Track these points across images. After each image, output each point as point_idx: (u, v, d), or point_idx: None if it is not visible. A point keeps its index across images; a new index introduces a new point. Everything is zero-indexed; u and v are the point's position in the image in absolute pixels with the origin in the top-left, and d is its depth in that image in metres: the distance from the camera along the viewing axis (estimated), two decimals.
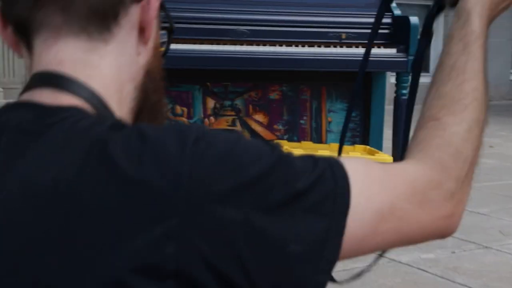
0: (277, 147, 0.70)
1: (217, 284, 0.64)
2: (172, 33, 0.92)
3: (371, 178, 0.74)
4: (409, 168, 0.79)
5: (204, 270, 0.63)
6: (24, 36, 0.76)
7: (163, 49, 0.92)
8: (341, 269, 2.60)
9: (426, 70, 9.91)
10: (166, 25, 0.89)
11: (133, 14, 0.78)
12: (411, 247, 3.12)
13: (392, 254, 3.02)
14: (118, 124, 0.71)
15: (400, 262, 2.92)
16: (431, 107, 0.88)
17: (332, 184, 0.69)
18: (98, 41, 0.76)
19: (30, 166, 0.67)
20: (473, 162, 0.82)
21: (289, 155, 0.70)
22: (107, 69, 0.77)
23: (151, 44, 0.82)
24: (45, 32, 0.75)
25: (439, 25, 9.89)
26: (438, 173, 0.78)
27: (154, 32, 0.82)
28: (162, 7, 0.83)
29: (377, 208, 0.72)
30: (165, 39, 0.93)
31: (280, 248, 0.66)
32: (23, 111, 0.72)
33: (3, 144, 0.70)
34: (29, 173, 0.67)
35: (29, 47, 0.76)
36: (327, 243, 0.68)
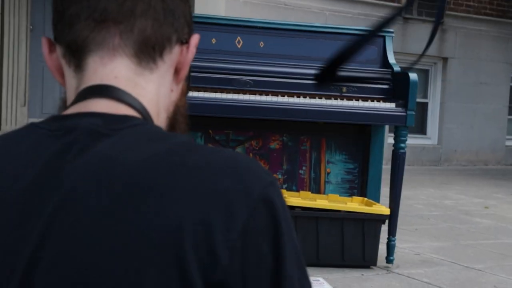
0: None
1: None
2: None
3: None
4: None
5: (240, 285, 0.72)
6: (76, 56, 0.85)
7: None
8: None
9: (424, 132, 10.03)
10: None
11: (174, 54, 0.88)
12: None
13: None
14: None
15: None
16: None
17: None
18: (145, 68, 0.85)
19: (101, 158, 0.76)
20: None
21: None
22: (151, 93, 0.87)
23: (181, 84, 0.93)
24: (102, 51, 0.84)
25: (437, 87, 10.03)
26: None
27: (185, 75, 0.93)
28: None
29: None
30: None
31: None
32: (90, 118, 0.80)
33: (74, 144, 0.78)
34: (101, 162, 0.75)
35: (79, 66, 0.85)
36: None
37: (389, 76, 3.77)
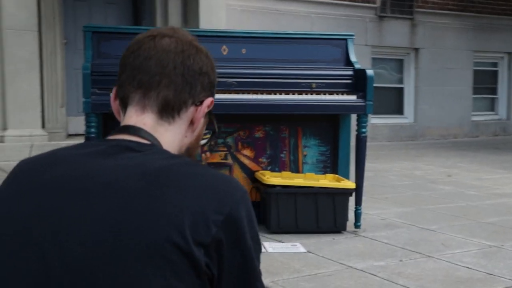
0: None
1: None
2: (215, 135, 1.23)
3: None
4: None
5: (217, 250, 0.93)
6: (124, 106, 1.08)
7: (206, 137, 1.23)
8: (307, 274, 2.67)
9: (401, 113, 10.05)
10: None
11: (190, 112, 1.07)
12: (366, 256, 3.22)
13: (350, 262, 3.12)
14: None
15: (355, 269, 3.02)
16: None
17: None
18: (165, 121, 1.06)
19: (141, 160, 0.97)
20: None
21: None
22: (167, 138, 1.06)
23: (195, 133, 1.11)
24: (137, 106, 1.06)
25: (411, 74, 10.04)
26: None
27: (200, 127, 1.11)
28: (210, 114, 1.14)
29: None
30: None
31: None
32: (127, 141, 1.02)
33: (108, 150, 1.00)
34: (144, 161, 0.96)
35: (125, 113, 1.07)
36: None
37: (351, 73, 3.83)
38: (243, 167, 3.87)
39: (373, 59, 9.58)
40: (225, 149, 3.85)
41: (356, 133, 3.77)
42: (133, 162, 0.96)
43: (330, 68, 3.85)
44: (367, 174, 6.21)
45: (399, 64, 10.02)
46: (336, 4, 9.16)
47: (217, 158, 3.84)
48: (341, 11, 9.18)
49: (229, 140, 3.86)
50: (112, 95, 1.11)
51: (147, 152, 0.99)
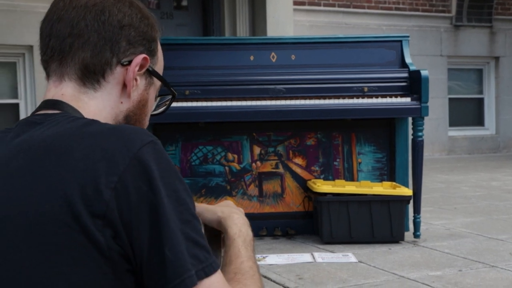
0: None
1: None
2: (174, 98, 1.08)
3: None
4: None
5: (118, 217, 0.80)
6: (48, 79, 0.97)
7: (161, 108, 1.09)
8: (353, 284, 2.47)
9: (482, 124, 9.53)
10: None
11: (118, 73, 0.95)
12: (422, 265, 2.97)
13: (403, 272, 2.89)
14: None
15: (408, 279, 2.78)
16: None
17: None
18: (89, 88, 0.94)
19: (32, 134, 0.87)
20: None
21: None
22: (93, 107, 0.94)
23: (135, 97, 0.97)
24: (55, 76, 0.95)
25: (491, 83, 9.53)
26: None
27: (140, 89, 0.97)
28: (154, 73, 0.99)
29: None
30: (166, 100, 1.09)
31: None
32: (35, 116, 0.91)
33: (17, 129, 0.91)
34: (32, 135, 0.87)
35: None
36: None
37: (406, 75, 3.62)
38: (295, 176, 3.72)
39: (449, 69, 9.17)
40: (276, 158, 3.72)
41: (412, 137, 3.54)
42: (23, 138, 0.86)
43: (384, 71, 3.65)
44: (437, 185, 5.92)
45: (478, 74, 9.54)
46: (408, 15, 8.86)
47: (267, 167, 3.71)
48: (414, 22, 8.87)
49: (280, 148, 3.72)
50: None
51: (45, 124, 0.88)
